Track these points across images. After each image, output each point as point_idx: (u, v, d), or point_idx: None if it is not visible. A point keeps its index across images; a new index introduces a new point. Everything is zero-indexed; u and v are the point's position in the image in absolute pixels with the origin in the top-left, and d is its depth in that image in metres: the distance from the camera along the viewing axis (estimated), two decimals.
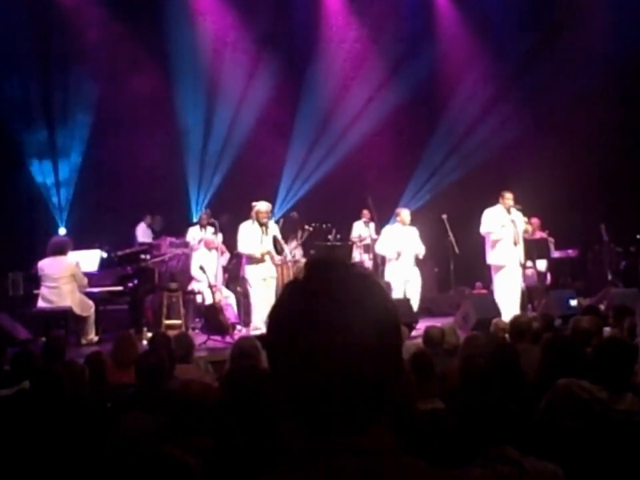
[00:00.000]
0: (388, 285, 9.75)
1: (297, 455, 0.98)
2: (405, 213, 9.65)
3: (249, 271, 8.59)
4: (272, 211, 9.22)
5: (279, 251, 8.59)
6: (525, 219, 9.34)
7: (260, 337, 5.31)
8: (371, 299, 1.01)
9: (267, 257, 8.51)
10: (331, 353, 0.96)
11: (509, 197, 9.09)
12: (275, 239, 8.54)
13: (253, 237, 8.54)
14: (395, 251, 9.40)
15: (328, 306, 0.98)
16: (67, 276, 8.11)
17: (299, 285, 1.03)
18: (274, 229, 8.79)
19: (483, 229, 9.10)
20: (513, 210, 9.10)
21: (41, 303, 8.09)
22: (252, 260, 8.55)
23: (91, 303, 8.35)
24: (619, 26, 12.11)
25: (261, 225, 8.55)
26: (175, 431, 2.74)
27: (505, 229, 8.97)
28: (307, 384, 0.97)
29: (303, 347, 0.97)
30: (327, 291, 0.99)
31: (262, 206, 8.61)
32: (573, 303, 8.74)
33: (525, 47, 12.72)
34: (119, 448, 2.81)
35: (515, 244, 9.03)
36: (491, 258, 9.15)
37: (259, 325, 8.25)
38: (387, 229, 9.84)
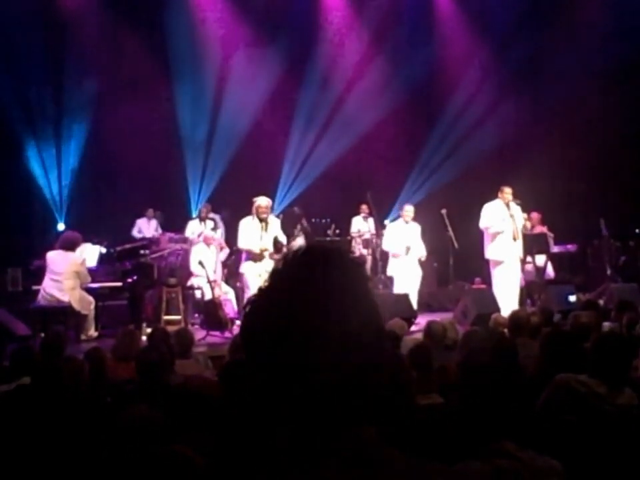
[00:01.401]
0: (391, 280, 9.77)
1: (283, 455, 0.97)
2: (408, 209, 9.68)
3: (246, 267, 8.62)
4: (272, 207, 9.21)
5: (278, 249, 8.59)
6: (525, 215, 9.35)
7: None
8: (354, 290, 0.98)
9: (265, 254, 8.50)
10: (312, 341, 0.94)
11: (508, 191, 9.11)
12: (275, 239, 8.53)
13: (252, 232, 8.55)
14: (404, 245, 9.40)
15: (308, 294, 0.96)
16: (70, 272, 8.12)
17: (281, 274, 1.01)
18: (275, 225, 8.78)
19: (482, 224, 9.11)
20: (512, 205, 9.11)
21: (42, 294, 8.09)
22: (250, 256, 8.57)
23: (91, 299, 8.36)
24: (620, 21, 12.09)
25: (261, 220, 8.56)
26: (175, 426, 2.74)
27: (504, 222, 8.99)
28: (284, 373, 0.95)
29: (281, 335, 0.95)
30: (307, 280, 0.97)
31: (262, 201, 8.62)
32: (572, 298, 8.74)
33: (524, 43, 12.69)
34: (120, 444, 2.80)
35: (514, 239, 9.04)
36: (490, 253, 9.17)
37: None
38: (391, 226, 9.87)
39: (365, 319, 0.98)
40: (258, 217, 8.56)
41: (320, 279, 0.97)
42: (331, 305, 0.96)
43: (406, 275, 9.40)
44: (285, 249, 8.80)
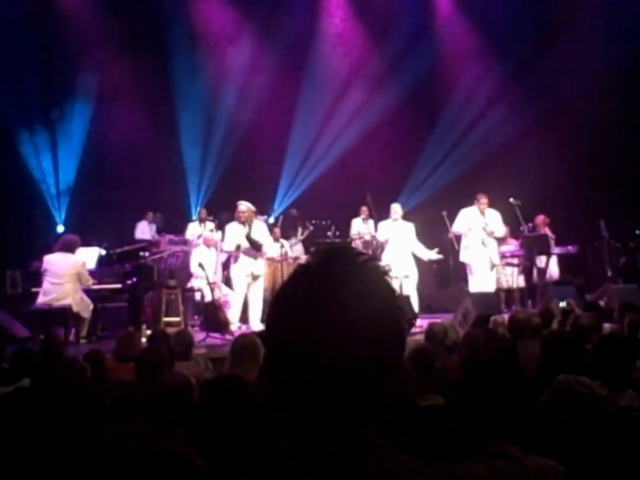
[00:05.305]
0: None
1: (282, 454, 0.97)
2: (394, 207, 9.93)
3: (233, 270, 8.92)
4: (256, 211, 9.30)
5: (257, 248, 8.73)
6: (499, 217, 9.73)
7: (259, 334, 5.31)
8: (375, 288, 0.99)
9: (255, 254, 8.68)
10: (331, 336, 0.94)
11: (483, 201, 9.74)
12: (247, 235, 8.68)
13: (233, 235, 8.78)
14: (385, 237, 9.71)
15: (329, 288, 0.97)
16: (72, 274, 8.11)
17: (304, 268, 1.02)
18: (259, 228, 8.94)
19: (453, 228, 9.80)
20: (489, 212, 9.75)
21: (41, 297, 8.06)
22: (237, 259, 8.81)
23: (89, 302, 8.32)
24: (619, 23, 12.11)
25: (242, 223, 8.76)
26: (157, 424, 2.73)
27: (471, 232, 9.63)
28: (303, 371, 0.95)
29: (303, 328, 0.95)
30: (329, 274, 0.98)
31: (241, 206, 8.88)
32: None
33: (525, 42, 12.71)
34: (117, 448, 2.79)
35: (484, 244, 9.62)
36: (462, 256, 9.86)
37: (235, 321, 8.66)
38: (381, 224, 10.09)
39: (382, 318, 0.98)
40: (239, 221, 8.78)
41: (339, 278, 0.98)
42: (349, 304, 0.96)
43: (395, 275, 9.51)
44: (283, 248, 8.99)
